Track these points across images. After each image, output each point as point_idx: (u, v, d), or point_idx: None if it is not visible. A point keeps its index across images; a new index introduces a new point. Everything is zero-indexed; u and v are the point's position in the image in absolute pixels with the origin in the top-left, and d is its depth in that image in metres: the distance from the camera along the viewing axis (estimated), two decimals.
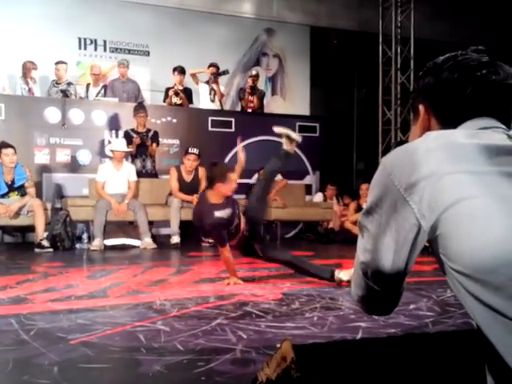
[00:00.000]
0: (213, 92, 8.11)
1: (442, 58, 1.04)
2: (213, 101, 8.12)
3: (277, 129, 4.08)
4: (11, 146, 6.12)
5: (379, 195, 0.92)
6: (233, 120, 8.08)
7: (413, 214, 0.87)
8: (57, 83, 7.71)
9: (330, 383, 0.69)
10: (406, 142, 1.02)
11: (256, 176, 7.99)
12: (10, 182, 6.16)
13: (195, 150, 6.75)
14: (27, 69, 7.54)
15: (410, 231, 0.88)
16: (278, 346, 0.77)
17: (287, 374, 0.72)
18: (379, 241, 0.92)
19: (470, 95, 0.98)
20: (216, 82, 8.11)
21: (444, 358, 0.73)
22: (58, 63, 7.69)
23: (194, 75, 8.16)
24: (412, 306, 2.98)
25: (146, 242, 6.36)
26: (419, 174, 0.86)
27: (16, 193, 6.20)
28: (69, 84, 7.79)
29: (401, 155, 0.91)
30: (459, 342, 0.77)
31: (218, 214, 3.69)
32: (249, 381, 1.81)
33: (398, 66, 9.15)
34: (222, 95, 8.31)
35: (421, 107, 1.06)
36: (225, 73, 8.24)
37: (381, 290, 0.96)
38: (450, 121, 1.00)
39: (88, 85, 8.14)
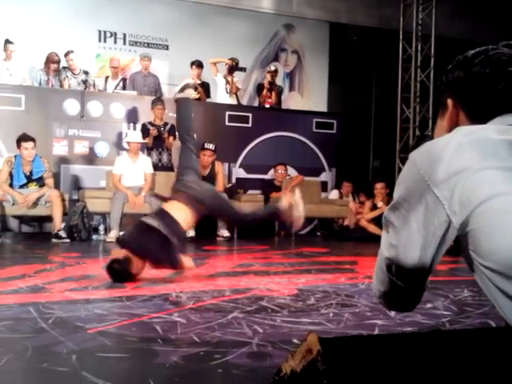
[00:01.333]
0: (228, 85, 8.14)
1: (473, 51, 1.02)
2: (228, 92, 8.14)
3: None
4: (31, 140, 6.09)
5: (407, 190, 0.90)
6: (250, 115, 8.07)
7: (443, 211, 0.85)
8: (74, 74, 7.73)
9: (357, 377, 0.69)
10: (428, 135, 1.00)
11: (271, 172, 8.00)
12: (28, 173, 6.21)
13: (211, 146, 6.75)
14: (51, 60, 7.55)
15: (438, 227, 0.86)
16: (303, 339, 0.77)
17: (313, 366, 0.72)
18: (406, 237, 0.90)
19: (501, 90, 0.96)
20: (231, 75, 8.13)
21: (474, 355, 0.72)
22: (67, 54, 7.62)
23: (214, 64, 8.18)
24: (429, 305, 2.96)
25: None
26: (450, 169, 0.84)
27: (34, 183, 6.25)
28: (86, 73, 7.82)
29: (431, 150, 0.89)
30: (488, 340, 0.76)
31: None
32: (265, 374, 1.82)
33: (418, 63, 9.05)
34: (237, 88, 8.31)
35: (449, 101, 1.03)
36: (241, 69, 8.26)
37: (404, 286, 0.95)
38: (479, 116, 0.98)
39: (107, 77, 8.19)
